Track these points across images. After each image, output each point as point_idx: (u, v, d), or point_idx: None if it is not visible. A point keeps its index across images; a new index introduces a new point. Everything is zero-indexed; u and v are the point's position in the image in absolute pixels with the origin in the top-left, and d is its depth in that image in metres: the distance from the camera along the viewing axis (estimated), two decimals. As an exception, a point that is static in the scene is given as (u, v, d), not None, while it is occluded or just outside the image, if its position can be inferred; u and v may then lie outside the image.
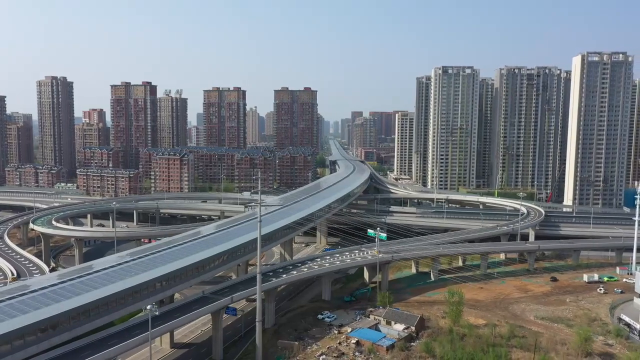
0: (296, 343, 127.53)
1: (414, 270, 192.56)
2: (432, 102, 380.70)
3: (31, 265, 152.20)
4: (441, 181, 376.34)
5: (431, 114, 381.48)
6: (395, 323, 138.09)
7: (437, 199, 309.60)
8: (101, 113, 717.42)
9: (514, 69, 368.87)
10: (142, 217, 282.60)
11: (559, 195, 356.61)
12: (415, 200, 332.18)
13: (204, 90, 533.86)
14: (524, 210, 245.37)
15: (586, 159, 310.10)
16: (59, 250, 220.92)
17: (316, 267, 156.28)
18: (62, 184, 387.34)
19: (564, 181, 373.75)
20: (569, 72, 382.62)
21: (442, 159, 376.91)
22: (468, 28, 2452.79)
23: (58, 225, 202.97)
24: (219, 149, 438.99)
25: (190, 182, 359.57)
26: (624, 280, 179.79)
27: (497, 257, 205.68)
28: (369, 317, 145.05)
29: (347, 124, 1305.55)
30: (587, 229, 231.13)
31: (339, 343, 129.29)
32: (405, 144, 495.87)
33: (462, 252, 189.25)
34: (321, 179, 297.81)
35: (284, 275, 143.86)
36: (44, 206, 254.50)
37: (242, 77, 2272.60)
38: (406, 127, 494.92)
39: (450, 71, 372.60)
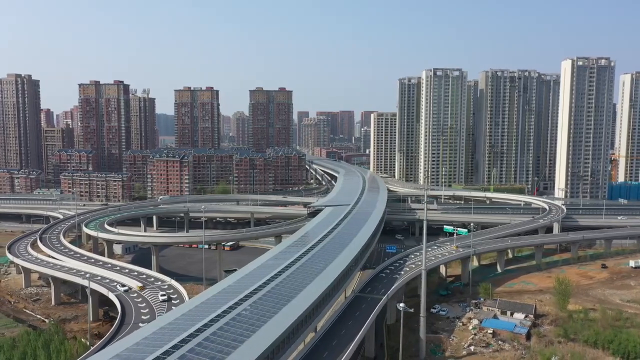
0: (442, 336, 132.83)
1: (476, 264, 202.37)
2: (423, 103, 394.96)
3: (137, 273, 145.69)
4: (433, 178, 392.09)
5: (423, 114, 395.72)
6: (513, 312, 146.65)
7: (444, 195, 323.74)
8: (49, 113, 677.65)
9: (497, 72, 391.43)
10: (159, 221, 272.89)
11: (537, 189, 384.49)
12: (413, 197, 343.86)
13: (175, 90, 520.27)
14: (545, 205, 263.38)
15: (576, 155, 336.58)
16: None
17: (419, 262, 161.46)
18: (43, 190, 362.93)
19: (538, 175, 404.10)
20: (543, 75, 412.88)
21: (433, 157, 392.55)
22: (413, 29, 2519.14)
23: (123, 231, 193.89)
24: (205, 150, 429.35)
25: (190, 185, 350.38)
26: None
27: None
28: (480, 308, 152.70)
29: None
30: (600, 220, 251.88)
31: (475, 334, 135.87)
32: (382, 143, 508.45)
33: (529, 243, 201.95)
34: (341, 182, 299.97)
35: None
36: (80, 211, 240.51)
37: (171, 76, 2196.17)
38: (382, 126, 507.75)
39: (439, 73, 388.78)
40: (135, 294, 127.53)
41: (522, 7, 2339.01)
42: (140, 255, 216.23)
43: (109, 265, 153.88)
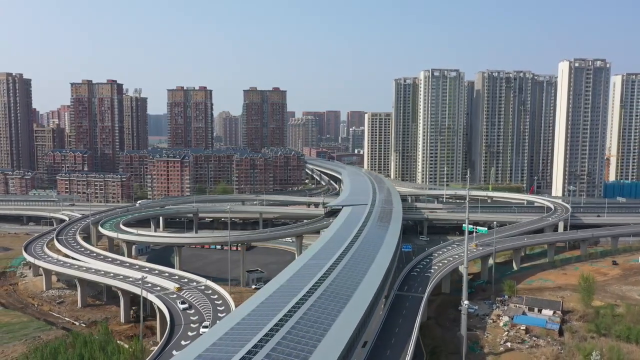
0: (477, 333, 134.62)
1: (490, 262, 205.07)
2: (421, 103, 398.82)
3: (168, 274, 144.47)
4: (431, 178, 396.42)
5: (421, 114, 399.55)
6: (541, 309, 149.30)
7: (446, 194, 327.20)
8: (34, 113, 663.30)
9: (493, 73, 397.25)
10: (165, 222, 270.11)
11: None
12: (413, 197, 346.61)
13: (167, 90, 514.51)
14: (549, 204, 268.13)
15: (573, 155, 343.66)
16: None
17: (445, 261, 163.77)
18: (39, 190, 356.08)
19: (533, 175, 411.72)
20: (536, 76, 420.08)
21: (431, 157, 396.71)
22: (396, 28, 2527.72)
23: (144, 232, 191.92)
24: (202, 150, 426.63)
25: (191, 185, 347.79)
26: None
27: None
28: (507, 305, 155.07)
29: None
30: (602, 218, 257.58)
31: (507, 331, 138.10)
32: (376, 142, 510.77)
33: (543, 241, 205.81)
34: (348, 181, 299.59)
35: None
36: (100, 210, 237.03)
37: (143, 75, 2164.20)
38: (376, 126, 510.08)
39: (437, 74, 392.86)
40: (175, 296, 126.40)
41: (512, 8, 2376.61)
42: (153, 255, 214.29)
43: (137, 267, 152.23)
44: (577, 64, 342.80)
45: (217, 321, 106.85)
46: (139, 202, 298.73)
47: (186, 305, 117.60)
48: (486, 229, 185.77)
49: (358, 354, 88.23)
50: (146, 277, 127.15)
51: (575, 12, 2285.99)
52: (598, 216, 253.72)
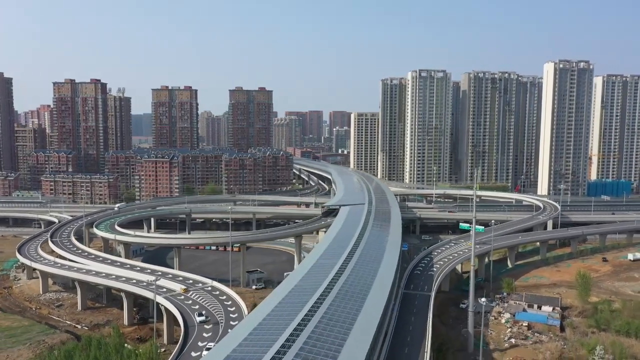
0: (481, 330, 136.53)
1: (485, 260, 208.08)
2: (409, 103, 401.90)
3: (171, 276, 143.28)
4: (418, 178, 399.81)
5: (408, 114, 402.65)
6: (540, 306, 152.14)
7: (435, 194, 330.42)
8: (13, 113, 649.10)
9: (479, 73, 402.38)
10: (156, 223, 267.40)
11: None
12: (401, 196, 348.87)
13: (152, 89, 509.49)
14: (538, 203, 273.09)
15: (558, 154, 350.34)
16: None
17: (445, 259, 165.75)
18: (23, 192, 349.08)
19: (519, 174, 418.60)
20: (520, 77, 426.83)
21: (419, 156, 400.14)
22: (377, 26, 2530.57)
23: (141, 234, 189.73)
24: (189, 150, 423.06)
25: (180, 185, 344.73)
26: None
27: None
28: (507, 302, 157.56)
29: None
30: (589, 216, 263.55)
31: (510, 327, 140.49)
32: (362, 142, 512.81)
33: (537, 239, 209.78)
34: (341, 181, 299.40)
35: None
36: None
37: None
38: (362, 126, 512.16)
39: (424, 74, 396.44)
40: (183, 297, 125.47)
41: (495, 10, 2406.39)
42: (147, 257, 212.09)
43: (138, 268, 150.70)
44: (561, 65, 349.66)
45: (231, 322, 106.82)
46: (117, 205, 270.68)
47: (203, 318, 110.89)
48: (482, 227, 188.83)
49: (378, 352, 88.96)
50: (158, 280, 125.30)
51: (555, 14, 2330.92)
52: (613, 214, 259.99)
